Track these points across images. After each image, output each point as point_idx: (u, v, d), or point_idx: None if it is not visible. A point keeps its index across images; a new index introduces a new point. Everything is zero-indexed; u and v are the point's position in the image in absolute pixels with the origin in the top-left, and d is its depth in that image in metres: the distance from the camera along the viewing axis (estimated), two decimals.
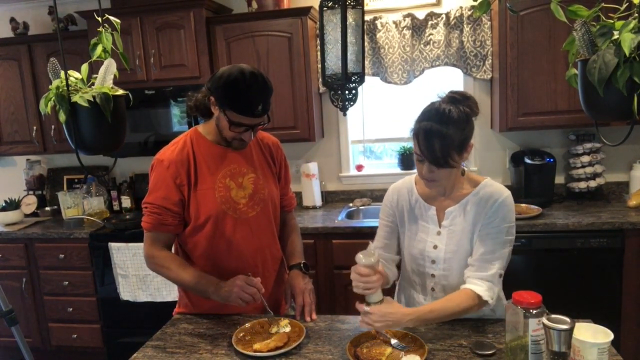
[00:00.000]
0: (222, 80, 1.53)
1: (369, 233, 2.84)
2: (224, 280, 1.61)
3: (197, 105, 1.67)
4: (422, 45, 3.16)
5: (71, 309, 3.31)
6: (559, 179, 3.19)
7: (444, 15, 3.09)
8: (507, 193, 1.51)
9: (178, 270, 1.64)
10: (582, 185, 3.07)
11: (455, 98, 1.43)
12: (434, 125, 1.38)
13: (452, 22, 3.08)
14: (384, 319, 1.35)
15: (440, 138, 1.38)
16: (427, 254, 1.56)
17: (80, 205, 3.50)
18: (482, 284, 1.45)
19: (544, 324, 1.14)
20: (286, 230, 1.91)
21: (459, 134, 1.39)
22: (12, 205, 3.52)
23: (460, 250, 1.52)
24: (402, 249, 1.67)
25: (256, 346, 1.44)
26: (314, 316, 1.65)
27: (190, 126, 3.21)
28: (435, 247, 1.55)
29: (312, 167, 3.38)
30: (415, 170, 1.55)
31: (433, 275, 1.57)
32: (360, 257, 1.36)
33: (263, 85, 1.54)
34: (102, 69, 1.42)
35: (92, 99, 1.35)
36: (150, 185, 1.65)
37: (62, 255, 3.25)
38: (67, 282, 3.28)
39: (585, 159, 3.03)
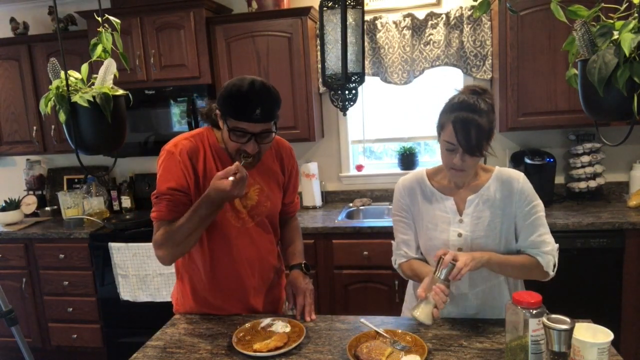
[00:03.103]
0: (223, 90, 1.51)
1: (369, 233, 2.88)
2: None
3: (208, 114, 1.64)
4: (422, 45, 3.16)
5: (71, 309, 3.31)
6: (559, 179, 3.20)
7: (444, 15, 3.09)
8: (522, 174, 1.60)
9: (180, 221, 1.53)
10: (582, 185, 3.07)
11: (476, 91, 1.52)
12: (470, 115, 1.45)
13: (452, 22, 3.08)
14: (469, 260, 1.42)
15: (476, 127, 1.44)
16: (452, 243, 1.58)
17: (80, 205, 3.50)
18: (545, 256, 1.55)
19: (544, 324, 1.14)
20: (288, 231, 1.91)
21: (489, 123, 1.48)
22: (12, 205, 3.52)
23: (491, 235, 1.56)
24: (419, 241, 1.68)
25: (256, 346, 1.44)
26: (313, 316, 1.65)
27: (190, 126, 3.21)
28: (459, 235, 1.57)
29: (312, 167, 3.38)
30: (417, 169, 1.57)
31: None
32: (416, 314, 1.43)
33: (262, 90, 1.48)
34: (102, 69, 1.42)
35: (92, 99, 1.35)
36: (159, 177, 1.59)
37: (62, 255, 3.25)
38: (67, 282, 3.28)
39: (585, 159, 3.03)
